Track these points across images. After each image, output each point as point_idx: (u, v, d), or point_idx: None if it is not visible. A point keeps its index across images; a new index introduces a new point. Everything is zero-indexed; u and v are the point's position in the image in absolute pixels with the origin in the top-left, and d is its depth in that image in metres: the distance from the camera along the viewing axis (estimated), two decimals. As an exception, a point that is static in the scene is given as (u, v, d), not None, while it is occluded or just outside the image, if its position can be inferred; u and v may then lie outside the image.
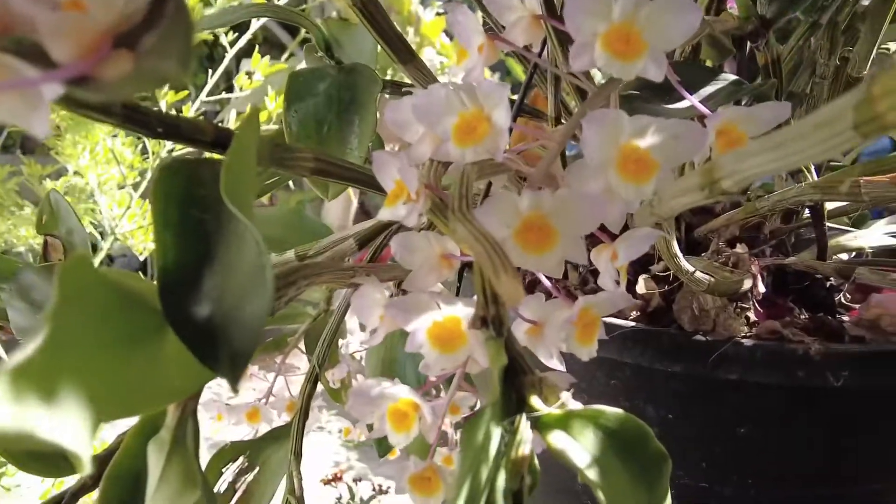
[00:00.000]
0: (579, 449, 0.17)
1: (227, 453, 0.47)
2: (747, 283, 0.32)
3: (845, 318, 0.35)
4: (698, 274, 0.30)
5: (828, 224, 0.44)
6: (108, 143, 1.11)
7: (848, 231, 0.48)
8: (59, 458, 0.31)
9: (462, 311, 0.21)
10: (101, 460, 0.33)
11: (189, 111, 1.13)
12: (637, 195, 0.21)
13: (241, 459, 0.48)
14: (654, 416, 0.34)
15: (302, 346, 0.52)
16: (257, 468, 0.47)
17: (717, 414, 0.33)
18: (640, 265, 0.38)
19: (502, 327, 0.19)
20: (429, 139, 0.25)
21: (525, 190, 0.21)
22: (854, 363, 0.30)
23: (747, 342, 0.30)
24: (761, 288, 0.34)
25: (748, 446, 0.33)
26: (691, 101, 0.25)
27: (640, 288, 0.36)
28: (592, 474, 0.17)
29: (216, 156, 0.22)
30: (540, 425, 0.17)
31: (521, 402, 0.18)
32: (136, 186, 1.13)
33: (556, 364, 0.24)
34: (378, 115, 0.34)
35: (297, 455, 0.41)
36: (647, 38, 0.20)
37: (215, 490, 0.46)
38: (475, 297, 0.21)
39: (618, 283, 0.25)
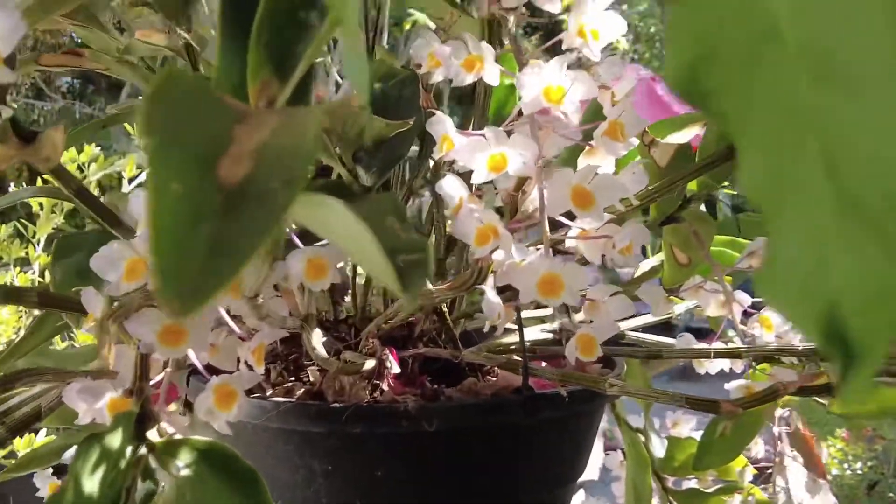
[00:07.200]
0: (180, 464, 0.29)
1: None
2: (370, 364, 0.45)
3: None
4: (331, 360, 0.43)
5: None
6: None
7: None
8: None
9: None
10: None
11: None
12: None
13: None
14: (319, 470, 0.45)
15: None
16: None
17: (359, 462, 0.45)
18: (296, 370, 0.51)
19: (142, 394, 0.31)
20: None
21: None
22: (441, 413, 0.44)
23: (368, 405, 0.44)
24: (395, 368, 0.48)
25: (385, 484, 0.46)
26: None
27: (311, 377, 0.49)
28: (183, 478, 0.29)
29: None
30: (156, 451, 0.29)
31: (142, 437, 0.29)
32: None
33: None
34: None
35: None
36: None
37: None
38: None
39: (251, 367, 0.37)
